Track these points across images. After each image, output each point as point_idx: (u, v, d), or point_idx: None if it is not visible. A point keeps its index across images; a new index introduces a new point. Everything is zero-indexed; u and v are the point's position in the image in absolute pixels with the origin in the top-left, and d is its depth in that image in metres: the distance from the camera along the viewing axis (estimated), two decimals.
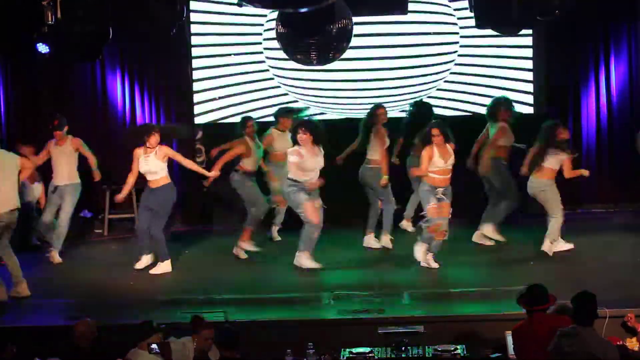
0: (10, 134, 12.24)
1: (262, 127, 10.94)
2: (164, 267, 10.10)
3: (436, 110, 11.59)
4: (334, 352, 7.70)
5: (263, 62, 12.25)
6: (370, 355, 7.58)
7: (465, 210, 10.62)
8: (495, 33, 10.85)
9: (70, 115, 12.12)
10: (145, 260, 10.21)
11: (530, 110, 12.18)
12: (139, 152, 10.00)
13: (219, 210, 12.43)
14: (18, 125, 12.29)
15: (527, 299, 6.84)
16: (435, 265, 9.73)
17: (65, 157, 10.68)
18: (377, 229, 10.80)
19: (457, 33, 12.03)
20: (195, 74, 12.35)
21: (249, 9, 11.25)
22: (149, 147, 9.96)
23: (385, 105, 10.99)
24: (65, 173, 10.68)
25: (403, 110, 11.54)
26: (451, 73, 12.25)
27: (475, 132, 11.09)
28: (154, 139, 9.97)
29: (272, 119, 11.20)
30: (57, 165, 10.70)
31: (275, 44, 9.37)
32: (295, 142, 9.82)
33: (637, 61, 12.25)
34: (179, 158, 10.24)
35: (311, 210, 9.69)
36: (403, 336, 7.82)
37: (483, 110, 11.48)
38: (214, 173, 10.29)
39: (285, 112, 11.01)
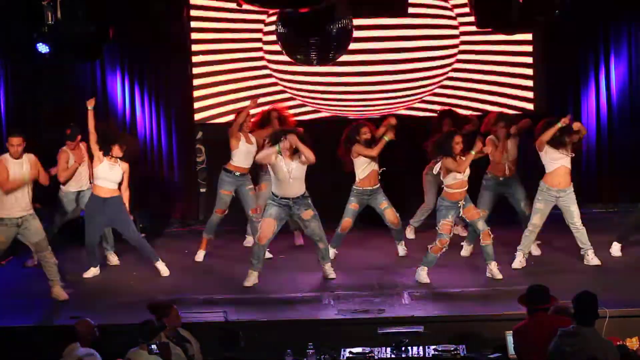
0: (9, 134, 12.19)
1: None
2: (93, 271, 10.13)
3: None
4: (334, 352, 7.71)
5: (264, 66, 12.22)
6: (370, 355, 7.59)
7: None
8: (495, 32, 10.93)
9: (70, 115, 12.14)
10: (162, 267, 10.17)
11: (530, 109, 12.18)
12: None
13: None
14: (18, 125, 12.25)
15: (528, 299, 6.84)
16: (499, 276, 9.39)
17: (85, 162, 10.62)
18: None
19: (457, 28, 12.01)
20: (195, 74, 12.33)
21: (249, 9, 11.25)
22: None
23: (384, 103, 10.92)
24: (86, 178, 10.62)
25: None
26: (449, 75, 12.23)
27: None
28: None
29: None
30: (78, 171, 10.59)
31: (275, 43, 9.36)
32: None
33: (637, 61, 12.23)
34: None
35: (264, 226, 9.40)
36: (403, 336, 7.82)
37: (483, 109, 11.43)
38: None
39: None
